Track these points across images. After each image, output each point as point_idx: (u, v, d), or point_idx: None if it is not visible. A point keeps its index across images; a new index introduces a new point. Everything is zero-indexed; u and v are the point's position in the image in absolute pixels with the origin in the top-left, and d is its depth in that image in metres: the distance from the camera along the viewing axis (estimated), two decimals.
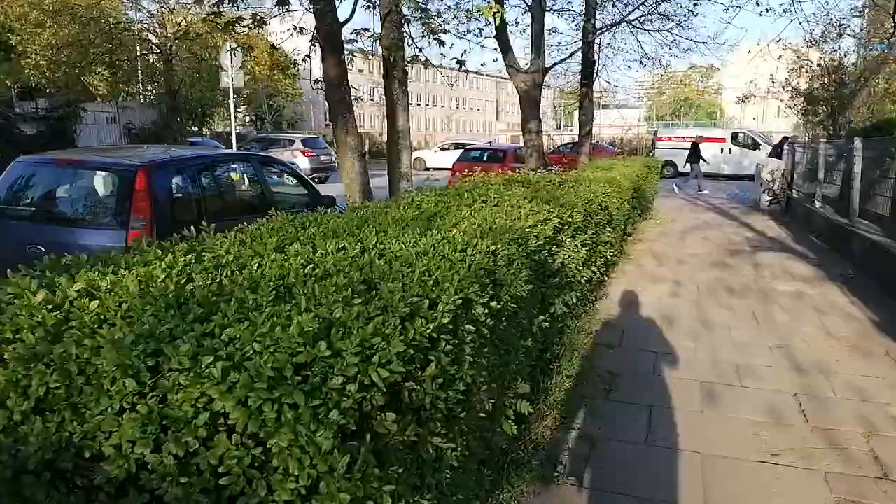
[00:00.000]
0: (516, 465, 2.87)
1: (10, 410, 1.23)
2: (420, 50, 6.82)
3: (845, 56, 15.25)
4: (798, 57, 15.36)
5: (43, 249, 4.07)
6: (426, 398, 1.44)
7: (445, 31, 9.18)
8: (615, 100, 59.83)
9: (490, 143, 27.29)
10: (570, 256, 3.46)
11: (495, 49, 9.87)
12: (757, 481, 3.01)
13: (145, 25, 22.79)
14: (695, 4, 12.85)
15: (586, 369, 4.25)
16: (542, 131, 9.97)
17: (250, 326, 1.31)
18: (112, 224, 4.46)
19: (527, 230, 2.64)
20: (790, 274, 7.81)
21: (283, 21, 7.26)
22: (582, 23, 12.72)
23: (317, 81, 5.47)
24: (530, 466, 2.92)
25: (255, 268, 1.77)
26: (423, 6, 5.50)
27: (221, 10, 6.12)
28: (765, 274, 7.80)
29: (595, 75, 14.09)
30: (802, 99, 15.56)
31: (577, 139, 14.93)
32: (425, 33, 5.64)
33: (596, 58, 14.04)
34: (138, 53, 23.44)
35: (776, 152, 16.25)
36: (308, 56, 6.40)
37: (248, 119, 41.05)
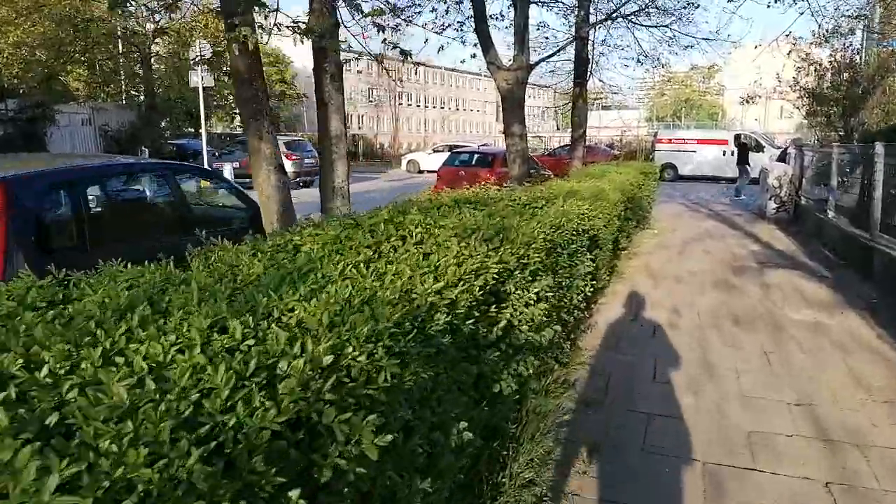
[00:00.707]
0: None
1: None
2: (394, 46, 5.90)
3: (857, 53, 14.25)
4: (807, 54, 14.36)
5: None
6: None
7: (409, 23, 8.28)
8: (615, 101, 58.86)
9: (481, 146, 26.38)
10: (522, 313, 2.52)
11: (475, 45, 8.95)
12: None
13: (120, 23, 21.84)
14: None
15: (560, 443, 3.31)
16: (526, 135, 9.01)
17: None
18: None
19: (433, 298, 1.71)
20: (804, 297, 6.86)
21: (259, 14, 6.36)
22: (573, 17, 11.80)
23: (227, 75, 4.46)
24: None
25: None
26: None
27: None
28: (775, 297, 6.85)
29: (589, 74, 13.14)
30: (811, 99, 14.57)
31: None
32: (357, 19, 4.70)
33: (590, 55, 13.10)
34: (118, 51, 22.52)
35: (784, 157, 15.28)
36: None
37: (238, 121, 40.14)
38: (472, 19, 8.87)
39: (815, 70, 14.45)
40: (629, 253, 8.99)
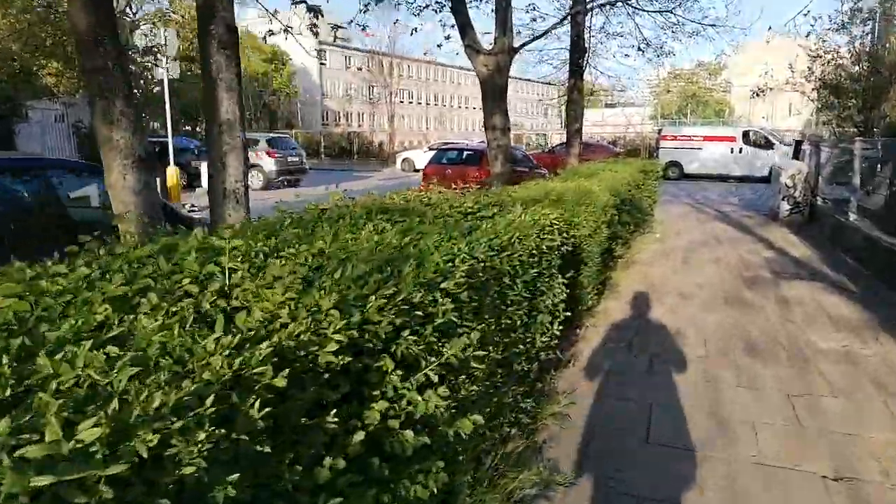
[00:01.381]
0: None
1: None
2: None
3: (879, 40, 13.10)
4: (823, 41, 13.24)
5: None
6: None
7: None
8: (620, 98, 57.48)
9: (478, 143, 25.35)
10: (414, 404, 1.52)
11: (453, 26, 7.93)
12: None
13: None
14: None
15: None
16: (509, 128, 7.98)
17: None
18: None
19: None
20: (829, 317, 5.83)
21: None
22: (565, 1, 10.76)
23: (72, 36, 3.31)
24: None
25: None
26: None
27: None
28: (796, 317, 5.82)
29: (585, 64, 12.07)
30: (828, 91, 13.44)
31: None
32: None
33: (586, 44, 12.04)
34: None
35: (798, 152, 14.14)
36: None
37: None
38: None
39: (832, 59, 13.31)
40: (626, 261, 7.96)
